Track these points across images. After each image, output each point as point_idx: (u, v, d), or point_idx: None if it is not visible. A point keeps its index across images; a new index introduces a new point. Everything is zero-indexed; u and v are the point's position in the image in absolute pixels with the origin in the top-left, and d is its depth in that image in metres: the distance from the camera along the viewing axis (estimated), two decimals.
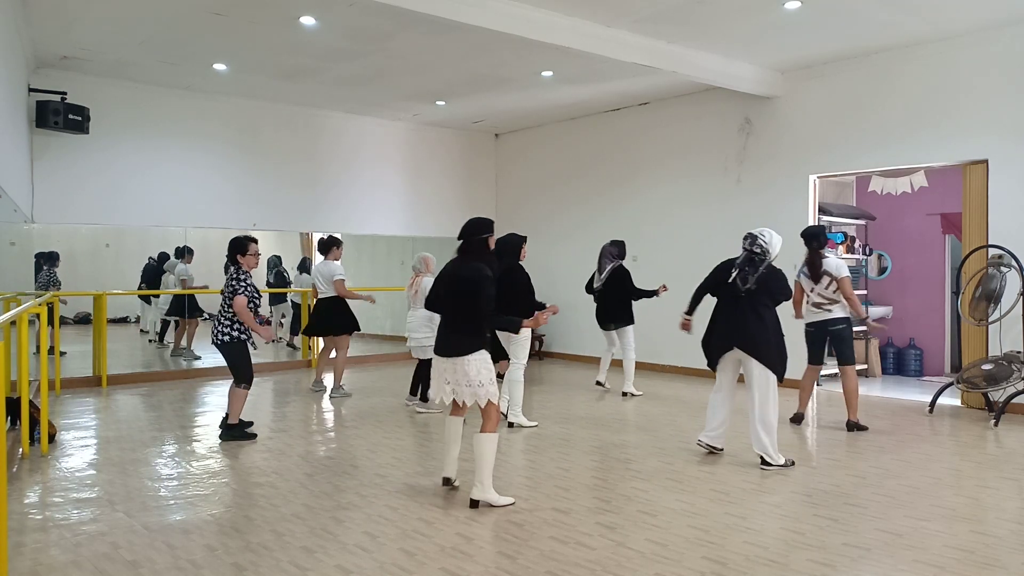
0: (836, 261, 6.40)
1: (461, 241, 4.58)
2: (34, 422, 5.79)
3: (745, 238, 5.44)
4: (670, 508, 4.39)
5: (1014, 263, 6.93)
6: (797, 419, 6.76)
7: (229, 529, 4.06)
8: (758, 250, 5.32)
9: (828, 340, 6.59)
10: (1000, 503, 4.52)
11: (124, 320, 12.97)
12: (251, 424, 6.36)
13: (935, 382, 8.81)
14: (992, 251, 7.18)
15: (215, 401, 7.91)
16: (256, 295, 6.04)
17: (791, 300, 5.73)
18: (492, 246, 4.61)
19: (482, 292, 4.35)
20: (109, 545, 3.84)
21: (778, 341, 5.30)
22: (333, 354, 8.59)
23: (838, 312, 6.42)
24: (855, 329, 7.05)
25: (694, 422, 6.76)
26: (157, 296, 11.38)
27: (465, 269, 4.46)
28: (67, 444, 5.99)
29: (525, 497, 4.59)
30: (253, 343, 6.09)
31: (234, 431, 6.10)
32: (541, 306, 7.00)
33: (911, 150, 7.86)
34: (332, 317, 8.24)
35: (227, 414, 6.15)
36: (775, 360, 5.25)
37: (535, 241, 11.86)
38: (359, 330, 8.46)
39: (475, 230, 4.54)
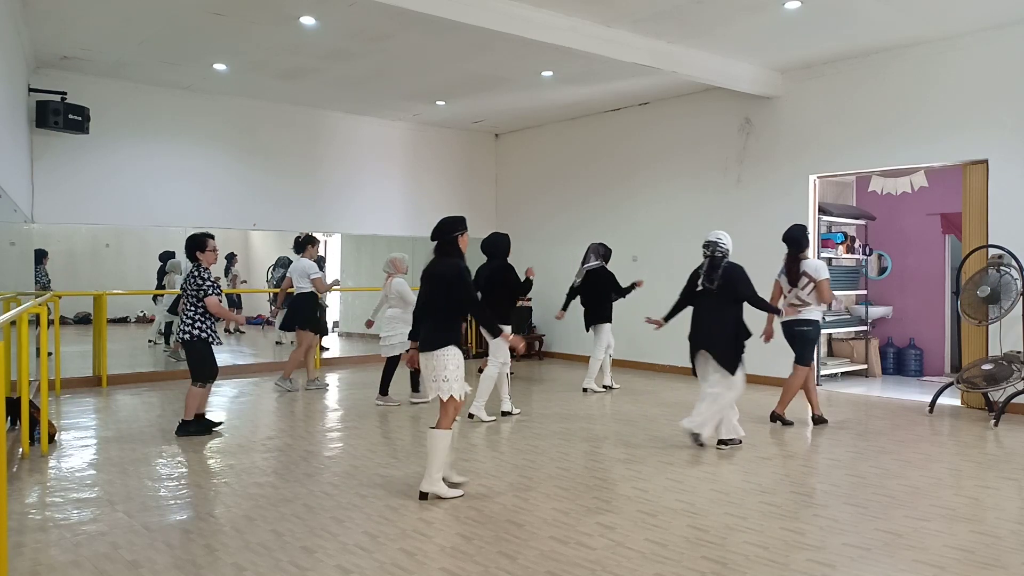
0: (816, 263, 6.50)
1: (436, 242, 4.76)
2: (34, 422, 5.79)
3: (705, 246, 5.88)
4: (670, 508, 4.39)
5: (1014, 263, 6.93)
6: (775, 418, 6.74)
7: (229, 529, 4.06)
8: (719, 254, 5.82)
9: (793, 339, 6.63)
10: (1000, 503, 4.52)
11: (124, 320, 12.98)
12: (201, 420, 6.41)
13: (935, 382, 8.81)
14: (992, 251, 7.18)
15: (216, 401, 7.90)
16: (218, 290, 6.24)
17: (770, 296, 6.14)
18: (465, 243, 4.76)
19: (461, 286, 4.55)
20: (109, 545, 3.84)
21: (736, 341, 5.73)
22: (323, 351, 8.85)
23: (807, 314, 6.47)
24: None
25: None
26: (162, 296, 11.38)
27: (440, 266, 4.66)
28: (67, 444, 5.99)
29: (525, 497, 4.59)
30: (219, 340, 6.24)
31: (189, 427, 6.24)
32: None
33: (911, 150, 7.86)
34: (302, 312, 8.47)
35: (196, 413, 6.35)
36: (730, 359, 5.69)
37: (534, 241, 11.89)
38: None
39: (448, 229, 4.71)
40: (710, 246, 5.83)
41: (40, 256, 9.57)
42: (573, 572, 3.47)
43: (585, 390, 8.43)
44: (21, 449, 5.67)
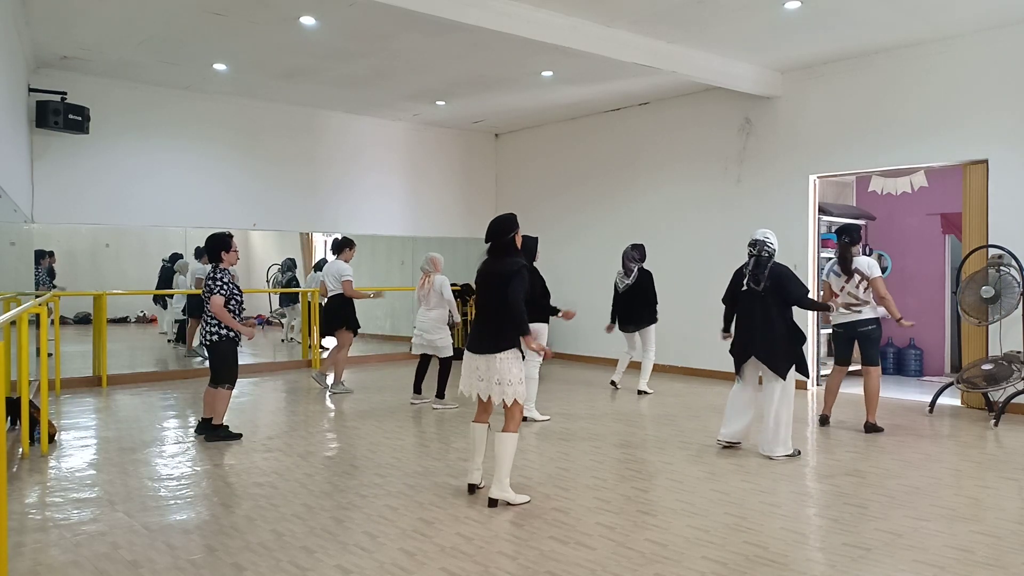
0: (868, 260, 6.36)
1: (490, 243, 4.60)
2: (34, 422, 5.79)
3: (752, 245, 5.63)
4: (670, 508, 4.39)
5: (1014, 263, 6.93)
6: (824, 420, 6.66)
7: (229, 529, 4.07)
8: (766, 253, 5.57)
9: (856, 341, 6.48)
10: (1000, 503, 4.52)
11: (124, 320, 12.99)
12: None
13: (935, 382, 8.81)
14: (992, 251, 7.18)
15: None
16: (237, 292, 5.99)
17: (821, 296, 5.96)
18: (520, 242, 4.62)
19: (516, 283, 4.40)
20: (109, 545, 3.84)
21: (788, 344, 5.47)
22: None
23: (868, 313, 6.35)
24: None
25: (695, 422, 6.76)
26: (171, 297, 11.40)
27: (500, 265, 4.51)
28: (67, 444, 5.99)
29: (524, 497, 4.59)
30: (240, 342, 6.09)
31: (220, 432, 6.08)
32: (554, 310, 7.08)
33: (911, 150, 7.85)
34: (336, 314, 8.33)
35: (209, 416, 6.14)
36: (782, 364, 5.44)
37: None
38: (358, 329, 8.49)
39: (502, 230, 4.55)
40: (757, 245, 5.56)
41: (40, 256, 9.55)
42: (573, 572, 3.47)
43: (640, 392, 8.27)
44: (21, 449, 5.67)
